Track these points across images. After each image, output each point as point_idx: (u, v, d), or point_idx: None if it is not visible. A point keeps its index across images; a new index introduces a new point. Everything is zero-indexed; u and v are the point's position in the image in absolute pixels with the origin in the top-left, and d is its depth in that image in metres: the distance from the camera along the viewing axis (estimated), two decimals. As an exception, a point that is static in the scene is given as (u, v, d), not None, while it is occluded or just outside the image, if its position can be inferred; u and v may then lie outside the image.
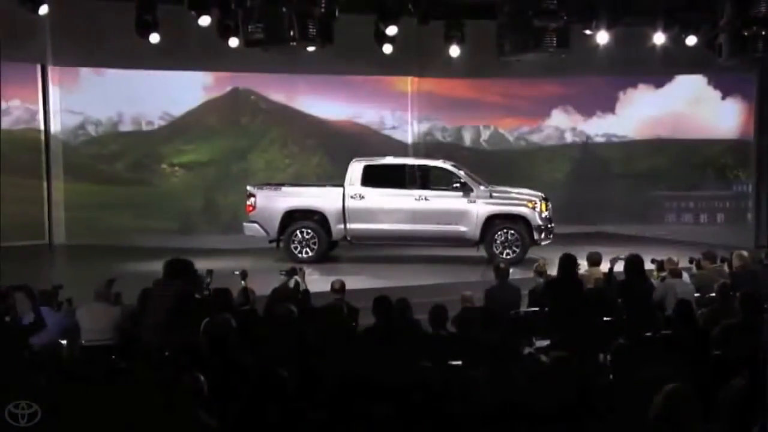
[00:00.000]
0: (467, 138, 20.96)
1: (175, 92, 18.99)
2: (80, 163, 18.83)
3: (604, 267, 10.94)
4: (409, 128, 20.39)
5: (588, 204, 19.82)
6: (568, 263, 9.41)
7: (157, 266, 8.87)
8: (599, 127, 20.93)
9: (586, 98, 20.74)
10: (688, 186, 20.58)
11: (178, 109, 19.33)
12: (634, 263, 9.53)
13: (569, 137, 21.02)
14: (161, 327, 7.83)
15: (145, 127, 19.25)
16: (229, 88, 19.62)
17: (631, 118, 20.72)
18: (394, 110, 20.45)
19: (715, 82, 20.16)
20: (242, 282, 9.99)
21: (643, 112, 20.64)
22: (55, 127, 18.35)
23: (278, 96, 19.84)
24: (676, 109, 20.52)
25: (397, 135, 20.47)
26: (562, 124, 20.98)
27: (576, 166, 20.93)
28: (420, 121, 20.51)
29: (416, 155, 18.45)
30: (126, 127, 19.13)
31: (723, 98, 20.34)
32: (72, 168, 18.55)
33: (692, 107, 20.50)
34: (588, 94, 20.67)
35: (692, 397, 4.97)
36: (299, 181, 17.79)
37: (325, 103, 20.01)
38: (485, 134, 21.05)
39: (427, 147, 19.96)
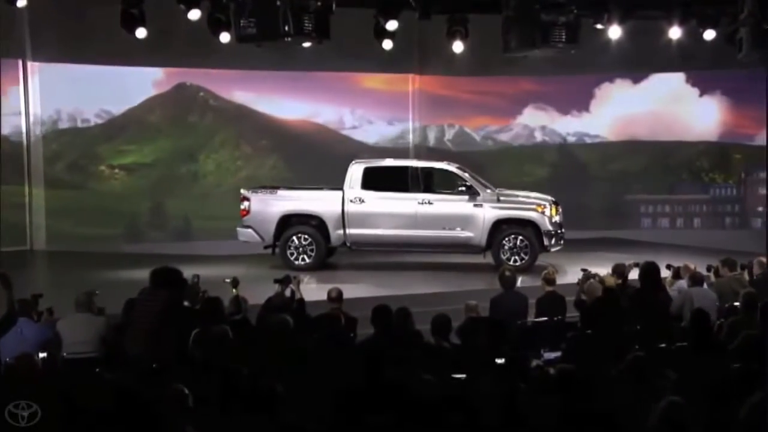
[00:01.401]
0: (431, 138, 20.77)
1: (120, 87, 18.49)
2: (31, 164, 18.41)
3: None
4: (370, 127, 20.26)
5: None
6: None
7: (136, 274, 8.89)
8: (571, 126, 20.89)
9: (562, 95, 20.65)
10: (664, 189, 20.61)
11: (119, 106, 18.89)
12: (649, 271, 9.52)
13: (539, 136, 20.94)
14: (148, 338, 7.85)
15: (80, 125, 18.81)
16: (174, 84, 19.22)
17: (605, 117, 20.73)
18: (354, 109, 20.31)
19: (694, 79, 20.26)
20: (233, 290, 9.99)
21: (618, 111, 20.66)
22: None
23: (228, 93, 19.52)
24: (652, 108, 20.56)
25: (357, 135, 20.33)
26: (534, 123, 20.89)
27: (548, 167, 20.82)
28: (390, 123, 20.43)
29: (378, 157, 18.25)
30: (63, 125, 18.70)
31: (700, 95, 20.45)
32: (20, 170, 18.15)
33: (669, 106, 20.57)
34: (564, 91, 20.56)
35: (690, 411, 4.98)
36: (252, 183, 17.72)
37: (280, 100, 19.73)
38: (449, 133, 20.92)
39: (396, 151, 19.65)
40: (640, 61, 18.33)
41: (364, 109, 20.34)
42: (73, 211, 18.53)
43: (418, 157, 17.66)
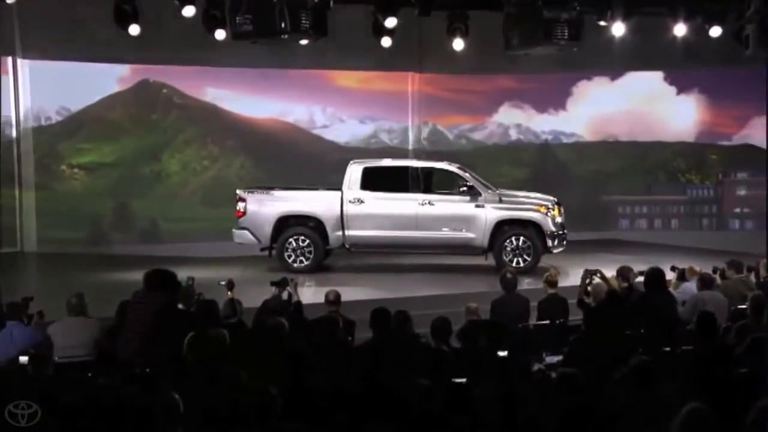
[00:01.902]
0: (412, 139, 20.58)
1: (81, 84, 18.20)
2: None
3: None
4: (341, 126, 20.10)
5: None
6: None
7: (129, 276, 8.90)
8: (547, 125, 20.86)
9: (539, 93, 20.60)
10: (642, 190, 20.63)
11: (77, 103, 18.55)
12: (655, 278, 9.50)
13: (514, 135, 20.88)
14: (141, 342, 7.84)
15: (44, 123, 18.47)
16: (136, 81, 18.88)
17: (582, 115, 20.72)
18: (325, 107, 20.13)
19: (672, 78, 20.31)
20: (228, 293, 9.98)
21: (596, 110, 20.66)
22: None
23: (193, 90, 19.21)
24: (629, 107, 20.59)
25: (328, 135, 20.17)
26: (509, 121, 20.82)
27: (524, 167, 20.77)
28: (362, 121, 20.36)
29: (352, 157, 18.20)
30: (28, 123, 18.29)
31: (677, 94, 20.51)
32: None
33: (646, 105, 20.61)
34: (542, 89, 20.49)
35: (713, 418, 4.98)
36: (220, 184, 17.65)
37: (248, 99, 19.48)
38: (424, 132, 20.85)
39: (369, 151, 19.53)
40: (645, 58, 18.33)
41: (335, 107, 20.13)
42: (41, 214, 18.26)
43: (394, 157, 17.58)
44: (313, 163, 18.92)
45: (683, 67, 19.25)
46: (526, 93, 20.54)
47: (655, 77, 20.48)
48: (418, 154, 19.41)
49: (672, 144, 20.82)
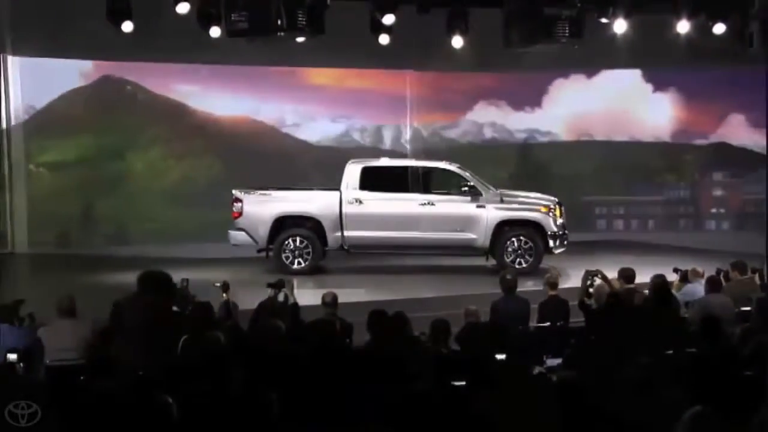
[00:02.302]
0: (387, 138, 20.65)
1: (46, 80, 18.07)
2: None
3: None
4: (312, 125, 20.04)
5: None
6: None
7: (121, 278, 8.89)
8: (522, 123, 20.86)
9: (515, 91, 20.58)
10: (618, 190, 20.66)
11: (41, 100, 18.35)
12: (661, 289, 9.47)
13: (488, 133, 20.85)
14: (135, 345, 7.82)
15: (14, 122, 18.26)
16: (98, 77, 18.69)
17: (558, 114, 20.73)
18: (296, 105, 20.04)
19: (649, 76, 20.38)
20: (224, 295, 9.99)
21: (571, 108, 20.68)
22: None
23: (158, 87, 19.03)
24: (606, 105, 20.63)
25: (299, 133, 20.08)
26: (483, 119, 20.79)
27: (499, 166, 20.65)
28: (334, 120, 20.31)
29: (323, 157, 18.19)
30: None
31: (653, 92, 20.58)
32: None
33: (622, 103, 20.65)
34: (518, 86, 20.47)
35: (717, 421, 4.97)
36: (187, 185, 17.56)
37: (215, 96, 19.30)
38: (406, 134, 20.77)
39: (341, 150, 19.53)
40: (647, 55, 18.32)
41: (306, 105, 20.02)
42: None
43: (366, 156, 17.53)
44: (284, 162, 18.84)
45: (661, 65, 19.32)
46: (502, 90, 20.50)
47: (632, 75, 20.52)
48: (407, 154, 19.35)
49: (648, 144, 20.90)
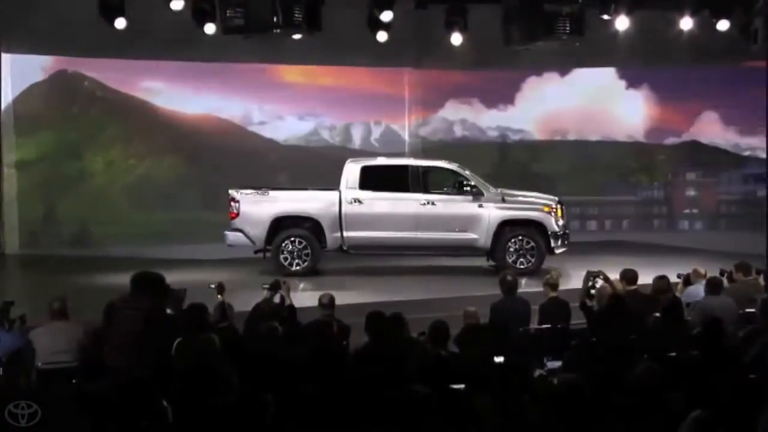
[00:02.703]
0: (356, 137, 20.52)
1: (8, 75, 17.79)
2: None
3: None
4: (279, 123, 19.85)
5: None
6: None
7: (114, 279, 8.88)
8: (494, 121, 20.83)
9: (489, 88, 20.55)
10: (592, 190, 20.71)
11: (8, 97, 17.94)
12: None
13: (459, 131, 20.82)
14: (129, 347, 7.82)
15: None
16: (54, 71, 18.36)
17: (531, 111, 20.74)
18: (262, 103, 19.85)
19: (622, 74, 20.46)
20: (219, 296, 9.97)
21: (544, 106, 20.70)
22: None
23: (118, 83, 18.68)
24: (579, 104, 20.66)
25: (266, 132, 19.87)
26: (455, 117, 20.74)
27: (472, 165, 20.65)
28: (301, 118, 20.24)
29: (290, 156, 18.11)
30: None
31: (626, 89, 20.66)
32: None
33: (596, 102, 20.69)
34: (492, 83, 20.44)
35: (721, 425, 4.98)
36: (148, 185, 17.45)
37: (178, 93, 19.04)
38: (376, 132, 20.70)
39: (309, 149, 19.48)
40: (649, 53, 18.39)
41: (272, 103, 19.84)
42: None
43: (337, 155, 17.57)
44: (250, 161, 18.74)
45: (635, 64, 19.40)
46: (474, 88, 20.46)
47: (606, 73, 20.57)
48: (377, 153, 19.25)
49: (622, 143, 20.96)
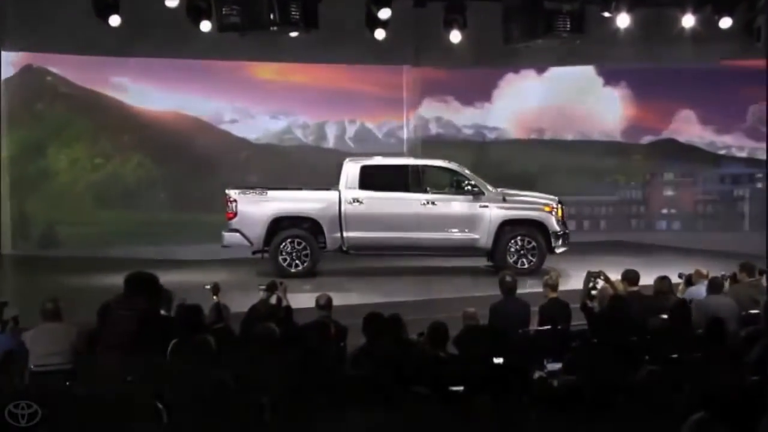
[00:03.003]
0: (330, 136, 20.39)
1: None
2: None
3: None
4: (251, 122, 19.62)
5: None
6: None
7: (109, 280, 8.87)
8: (470, 119, 20.78)
9: (466, 86, 20.47)
10: (570, 190, 20.67)
11: None
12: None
13: (434, 129, 20.75)
14: (123, 349, 7.81)
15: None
16: (20, 67, 18.01)
17: (506, 109, 20.71)
18: (233, 100, 19.62)
19: (599, 69, 20.48)
20: (214, 297, 9.97)
21: (521, 104, 20.69)
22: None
23: (83, 78, 18.39)
24: (555, 102, 20.66)
25: (237, 130, 19.68)
26: (430, 115, 20.67)
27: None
28: (274, 116, 20.16)
29: (262, 155, 18.01)
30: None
31: (604, 87, 20.69)
32: None
33: (573, 100, 20.69)
34: (468, 81, 20.36)
35: (722, 428, 4.98)
36: (115, 184, 17.35)
37: (145, 89, 18.72)
38: (350, 131, 20.68)
39: (281, 148, 19.37)
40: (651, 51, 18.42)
41: (244, 100, 19.63)
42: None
43: (309, 155, 17.57)
44: (221, 160, 18.64)
45: (614, 62, 19.43)
46: (450, 86, 20.41)
47: (583, 71, 20.58)
48: (352, 152, 19.20)
49: (598, 142, 20.98)
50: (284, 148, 19.55)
